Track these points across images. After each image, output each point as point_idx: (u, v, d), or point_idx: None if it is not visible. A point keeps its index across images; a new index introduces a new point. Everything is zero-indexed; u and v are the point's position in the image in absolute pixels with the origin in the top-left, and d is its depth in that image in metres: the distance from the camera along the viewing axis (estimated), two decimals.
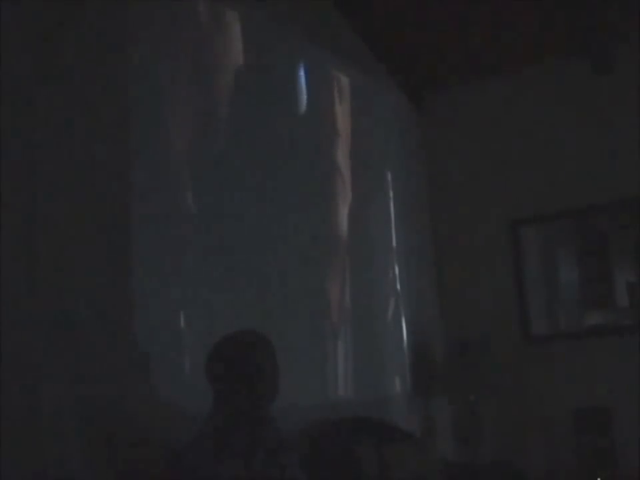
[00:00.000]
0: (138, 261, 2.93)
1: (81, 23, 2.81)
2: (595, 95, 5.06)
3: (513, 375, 4.97)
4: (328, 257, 4.22)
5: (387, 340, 4.71)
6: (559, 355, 5.02)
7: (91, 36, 2.85)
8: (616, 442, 4.61)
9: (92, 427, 2.62)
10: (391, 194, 5.00)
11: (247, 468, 2.50)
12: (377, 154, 4.93)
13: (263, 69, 3.83)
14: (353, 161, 4.54)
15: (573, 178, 5.09)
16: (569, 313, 5.34)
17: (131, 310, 2.89)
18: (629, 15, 4.61)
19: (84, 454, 2.57)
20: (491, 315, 5.15)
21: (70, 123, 2.73)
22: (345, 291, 4.29)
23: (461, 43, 4.97)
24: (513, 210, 5.25)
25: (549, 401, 4.94)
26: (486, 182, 5.33)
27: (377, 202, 4.87)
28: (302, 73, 4.20)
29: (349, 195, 4.46)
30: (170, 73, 3.26)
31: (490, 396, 4.92)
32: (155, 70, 3.17)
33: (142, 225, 2.98)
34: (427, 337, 5.13)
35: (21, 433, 2.39)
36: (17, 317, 2.44)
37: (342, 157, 4.49)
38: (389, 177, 5.03)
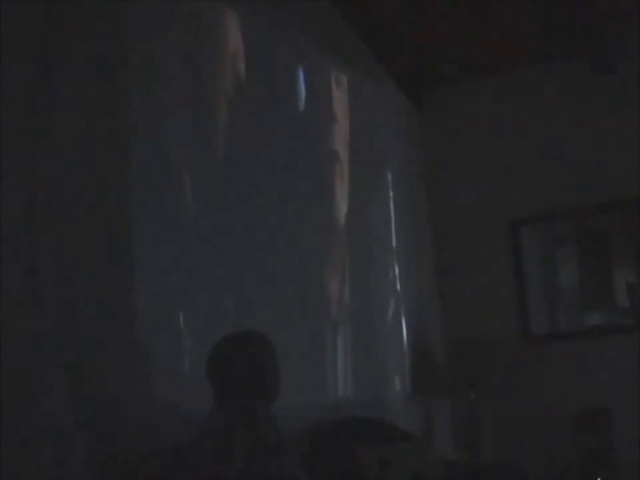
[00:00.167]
0: (138, 260, 2.93)
1: (81, 23, 2.80)
2: (595, 95, 5.06)
3: (513, 375, 4.97)
4: (328, 258, 4.22)
5: (387, 340, 4.71)
6: (559, 355, 5.02)
7: (90, 36, 2.85)
8: (616, 442, 4.62)
9: (92, 427, 2.62)
10: (391, 194, 5.00)
11: (247, 468, 2.49)
12: (377, 154, 4.93)
13: (263, 69, 3.83)
14: (352, 161, 4.54)
15: (573, 178, 5.10)
16: (568, 313, 5.35)
17: (131, 310, 2.89)
18: (629, 16, 4.61)
19: (84, 454, 2.57)
20: (491, 315, 5.16)
21: (70, 123, 2.73)
22: (345, 291, 4.29)
23: (461, 43, 4.97)
24: (513, 210, 5.26)
25: (549, 401, 4.94)
26: (486, 182, 5.33)
27: (377, 202, 4.87)
28: (302, 73, 4.20)
29: (348, 194, 4.46)
30: (170, 72, 3.26)
31: (490, 396, 4.92)
32: (154, 69, 3.16)
33: (142, 224, 2.98)
34: (426, 337, 5.13)
35: (21, 433, 2.39)
36: (17, 317, 2.44)
37: (342, 157, 4.48)
38: (389, 176, 5.03)
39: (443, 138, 5.51)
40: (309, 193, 4.09)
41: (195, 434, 2.58)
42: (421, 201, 5.41)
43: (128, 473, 2.63)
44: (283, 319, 3.62)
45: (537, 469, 4.68)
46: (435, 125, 5.54)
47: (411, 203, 5.20)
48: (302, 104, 4.19)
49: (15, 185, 2.50)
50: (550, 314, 5.39)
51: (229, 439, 2.54)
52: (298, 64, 4.18)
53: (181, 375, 3.05)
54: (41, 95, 2.63)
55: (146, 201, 3.01)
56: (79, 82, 2.78)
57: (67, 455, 2.53)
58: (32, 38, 2.63)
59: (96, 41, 2.88)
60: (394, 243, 4.95)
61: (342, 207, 4.41)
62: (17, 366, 2.41)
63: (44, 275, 2.56)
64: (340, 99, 4.54)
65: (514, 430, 4.99)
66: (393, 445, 3.69)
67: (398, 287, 4.90)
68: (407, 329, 4.90)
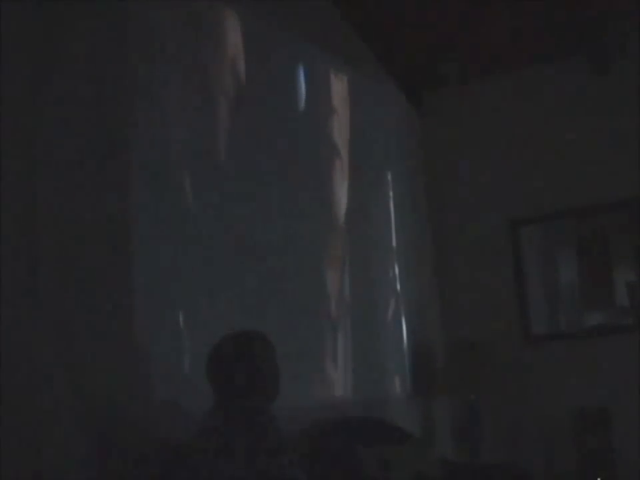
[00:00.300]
0: (138, 260, 2.93)
1: (80, 23, 2.80)
2: (595, 94, 5.06)
3: (513, 375, 4.97)
4: (328, 258, 4.22)
5: (387, 340, 4.71)
6: (559, 355, 5.02)
7: (90, 36, 2.85)
8: (616, 442, 4.61)
9: (91, 426, 2.62)
10: (391, 194, 5.00)
11: (247, 467, 2.49)
12: (377, 154, 4.93)
13: (263, 69, 3.83)
14: (352, 161, 4.54)
15: (573, 178, 5.10)
16: (568, 313, 5.35)
17: (131, 310, 2.89)
18: (629, 15, 4.61)
19: (84, 454, 2.57)
20: (491, 315, 5.16)
21: (70, 123, 2.73)
22: (345, 291, 4.29)
23: (461, 43, 4.97)
24: (513, 210, 5.26)
25: (549, 400, 4.94)
26: (486, 182, 5.33)
27: (377, 201, 4.87)
28: (302, 73, 4.20)
29: (348, 194, 4.46)
30: (170, 72, 3.26)
31: (490, 396, 4.92)
32: (154, 69, 3.17)
33: (142, 224, 2.98)
34: (426, 337, 5.13)
35: (21, 433, 2.39)
36: (17, 317, 2.44)
37: (342, 157, 4.48)
38: (389, 176, 5.03)
39: (443, 138, 5.51)
40: (309, 193, 4.09)
41: (194, 433, 2.59)
42: (421, 201, 5.41)
43: (128, 473, 2.63)
44: (283, 318, 3.62)
45: (537, 469, 4.68)
46: (435, 125, 5.54)
47: (411, 203, 5.20)
48: (302, 104, 4.19)
49: (15, 185, 2.50)
50: (550, 314, 5.39)
51: (229, 439, 2.54)
52: (298, 64, 4.18)
53: (181, 375, 3.05)
54: (41, 95, 2.63)
55: (146, 200, 3.01)
56: (78, 82, 2.78)
57: (67, 454, 2.53)
58: (32, 38, 2.63)
59: (96, 40, 2.88)
60: (394, 243, 4.95)
61: (342, 206, 4.41)
62: (17, 366, 2.41)
63: (44, 275, 2.56)
64: (340, 99, 4.54)
65: (514, 430, 4.99)
66: (393, 445, 3.69)
67: (398, 287, 4.90)
68: (406, 329, 4.90)
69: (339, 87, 4.55)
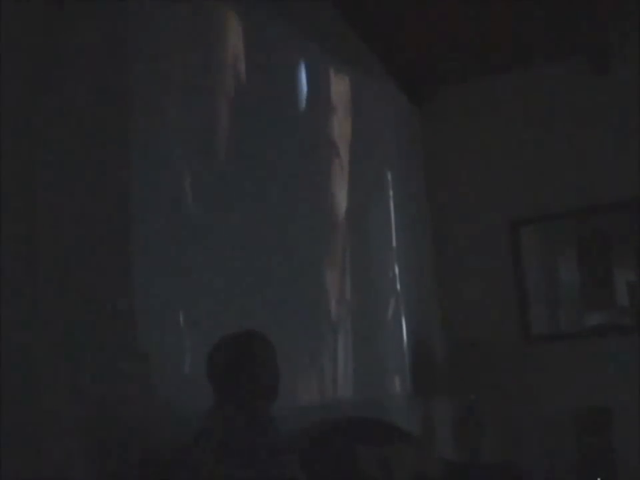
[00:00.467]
0: (138, 260, 2.93)
1: (81, 23, 2.80)
2: (595, 94, 5.06)
3: (513, 375, 4.97)
4: (328, 258, 4.22)
5: (387, 340, 4.71)
6: (559, 354, 5.02)
7: (90, 36, 2.85)
8: (616, 442, 4.61)
9: (91, 427, 2.62)
10: (391, 194, 5.00)
11: (247, 468, 2.49)
12: (377, 154, 4.93)
13: (263, 69, 3.83)
14: (353, 161, 4.54)
15: (573, 178, 5.10)
16: (569, 313, 5.35)
17: (131, 310, 2.89)
18: (628, 15, 4.61)
19: (84, 454, 2.57)
20: (491, 315, 5.16)
21: (70, 123, 2.73)
22: (345, 291, 4.29)
23: (461, 43, 4.97)
24: (513, 210, 5.26)
25: (549, 400, 4.94)
26: (486, 182, 5.34)
27: (376, 202, 4.87)
28: (302, 73, 4.20)
29: (348, 194, 4.46)
30: (170, 71, 3.26)
31: (490, 396, 4.92)
32: (155, 69, 3.16)
33: (142, 224, 2.98)
34: (427, 337, 5.13)
35: (21, 433, 2.39)
36: (17, 317, 2.44)
37: (342, 157, 4.48)
38: (389, 176, 5.03)
39: (443, 138, 5.51)
40: (309, 194, 4.10)
41: (195, 433, 2.59)
42: (421, 201, 5.41)
43: (127, 473, 2.63)
44: (283, 319, 3.62)
45: (537, 469, 4.68)
46: (435, 124, 5.54)
47: (411, 202, 5.20)
48: (302, 104, 4.19)
49: (15, 186, 2.50)
50: (550, 314, 5.39)
51: (229, 439, 2.54)
52: (298, 64, 4.18)
53: (181, 375, 3.05)
54: (41, 95, 2.63)
55: (146, 200, 3.01)
56: (78, 82, 2.78)
57: (67, 455, 2.53)
58: (32, 38, 2.63)
59: (96, 41, 2.88)
60: (394, 243, 4.95)
61: (342, 206, 4.41)
62: (17, 366, 2.41)
63: (44, 275, 2.56)
64: (340, 99, 4.54)
65: (514, 430, 4.99)
66: (393, 444, 3.69)
67: (398, 287, 4.90)
68: (406, 329, 4.90)
69: (339, 87, 4.55)
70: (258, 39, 3.81)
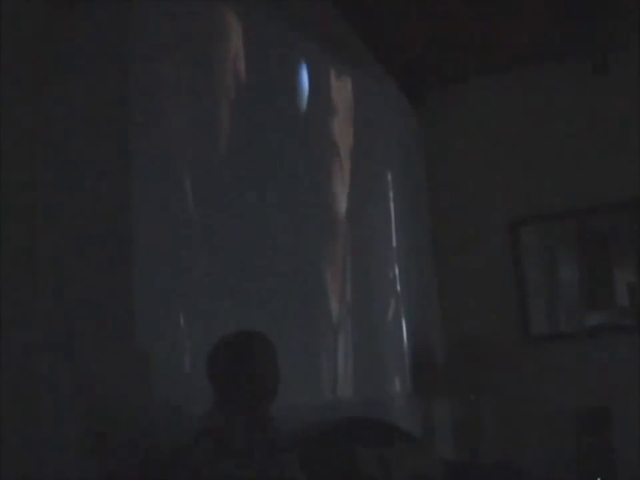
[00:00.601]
0: (138, 260, 2.93)
1: (81, 23, 2.81)
2: (595, 95, 5.06)
3: (513, 375, 4.97)
4: (329, 258, 4.22)
5: (386, 340, 4.70)
6: (559, 355, 5.02)
7: (91, 36, 2.85)
8: (616, 442, 4.61)
9: (91, 426, 2.62)
10: (391, 194, 5.00)
11: (247, 468, 2.49)
12: (377, 154, 4.93)
13: (263, 69, 3.83)
14: (353, 161, 4.54)
15: (573, 178, 5.10)
16: (568, 313, 5.35)
17: (131, 310, 2.89)
18: (629, 16, 4.61)
19: (84, 454, 2.57)
20: (491, 315, 5.16)
21: (70, 123, 2.73)
22: (345, 291, 4.29)
23: (461, 43, 4.97)
24: (513, 210, 5.26)
25: (549, 400, 4.94)
26: (486, 182, 5.33)
27: (376, 202, 4.87)
28: (302, 73, 4.19)
29: (349, 194, 4.46)
30: (170, 72, 3.26)
31: (490, 396, 4.92)
32: (155, 69, 3.16)
33: (142, 224, 2.98)
34: (427, 337, 5.12)
35: (21, 434, 2.39)
36: (17, 317, 2.44)
37: (342, 157, 4.48)
38: (389, 177, 5.02)
39: (443, 138, 5.51)
40: (309, 194, 4.09)
41: (195, 434, 2.59)
42: (421, 201, 5.41)
43: (127, 473, 2.63)
44: (283, 319, 3.62)
45: (537, 469, 4.68)
46: (435, 124, 5.54)
47: (411, 202, 5.20)
48: (302, 104, 4.19)
49: (15, 186, 2.50)
50: (550, 314, 5.39)
51: (229, 439, 2.54)
52: (298, 64, 4.18)
53: (181, 375, 3.05)
54: (41, 95, 2.64)
55: (146, 200, 3.01)
56: (78, 82, 2.78)
57: (67, 454, 2.53)
58: (32, 38, 2.63)
59: (96, 41, 2.88)
60: (394, 243, 4.95)
61: (342, 207, 4.40)
62: (17, 366, 2.41)
63: (44, 275, 2.56)
64: (340, 99, 4.54)
65: (514, 430, 4.99)
66: (393, 444, 3.69)
67: (398, 287, 4.90)
68: (406, 329, 4.90)
69: (339, 87, 4.55)
70: (258, 39, 3.81)
